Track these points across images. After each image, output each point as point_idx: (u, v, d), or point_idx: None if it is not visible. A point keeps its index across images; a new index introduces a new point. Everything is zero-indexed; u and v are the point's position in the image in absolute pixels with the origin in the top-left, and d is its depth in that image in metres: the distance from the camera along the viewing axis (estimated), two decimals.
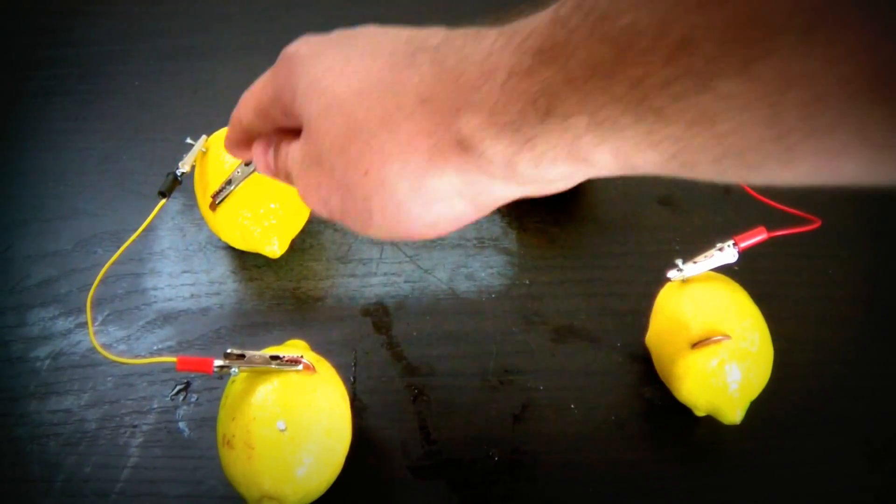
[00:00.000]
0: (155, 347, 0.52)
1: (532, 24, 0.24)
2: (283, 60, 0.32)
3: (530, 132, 0.24)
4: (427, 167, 0.27)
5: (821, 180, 0.22)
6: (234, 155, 0.38)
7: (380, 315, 0.53)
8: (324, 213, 0.32)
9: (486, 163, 0.26)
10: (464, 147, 0.26)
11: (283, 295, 0.54)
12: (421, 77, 0.27)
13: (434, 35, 0.29)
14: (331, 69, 0.30)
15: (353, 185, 0.29)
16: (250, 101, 0.34)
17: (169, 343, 0.52)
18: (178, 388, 0.51)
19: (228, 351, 0.42)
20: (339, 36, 0.31)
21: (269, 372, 0.43)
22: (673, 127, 0.21)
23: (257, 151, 0.35)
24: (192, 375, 0.51)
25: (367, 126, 0.28)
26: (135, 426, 0.49)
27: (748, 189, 0.50)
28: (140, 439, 0.49)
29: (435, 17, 0.62)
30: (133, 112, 0.64)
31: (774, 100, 0.19)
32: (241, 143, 0.36)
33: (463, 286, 0.54)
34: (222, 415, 0.43)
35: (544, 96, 0.24)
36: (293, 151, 0.32)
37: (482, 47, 0.26)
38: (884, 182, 0.21)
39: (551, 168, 0.25)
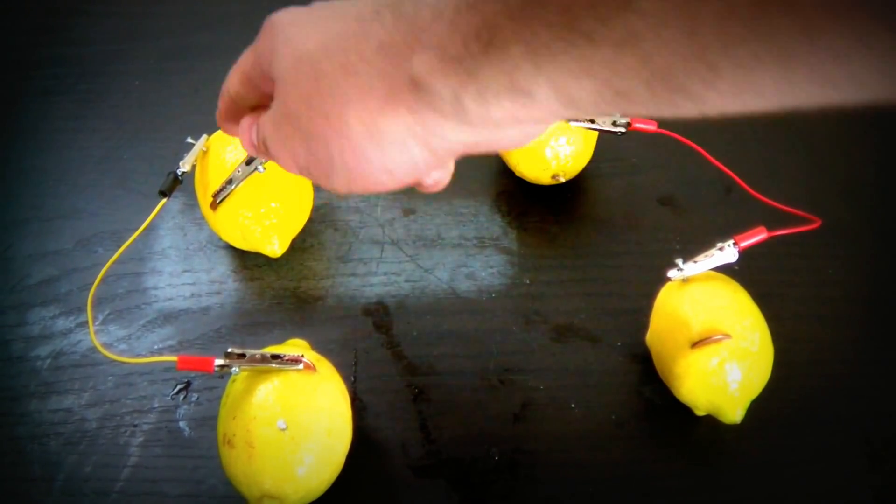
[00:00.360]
0: (155, 347, 0.52)
1: None
2: (265, 27, 0.33)
3: (473, 64, 0.25)
4: (382, 108, 0.28)
5: (748, 106, 0.22)
6: (224, 130, 0.39)
7: (380, 314, 0.53)
8: (294, 168, 0.33)
9: (437, 100, 0.27)
10: (416, 85, 0.27)
11: (283, 294, 0.54)
12: (383, 26, 0.29)
13: None
14: (303, 28, 0.31)
15: (316, 131, 0.30)
16: (236, 71, 0.36)
17: (169, 342, 0.52)
18: (178, 387, 0.51)
19: (229, 350, 0.42)
20: (318, 4, 0.33)
21: (270, 371, 0.43)
22: (603, 51, 0.22)
23: (242, 128, 0.36)
24: (193, 375, 0.51)
25: (331, 74, 0.29)
26: (135, 425, 0.49)
27: (748, 189, 0.50)
28: (140, 438, 0.49)
29: None
30: (133, 112, 0.64)
31: (691, 13, 0.20)
32: (230, 114, 0.37)
33: (463, 286, 0.54)
34: (223, 414, 0.43)
35: (486, 28, 0.24)
36: (267, 114, 0.34)
37: None
38: (803, 105, 0.22)
39: (495, 104, 0.26)
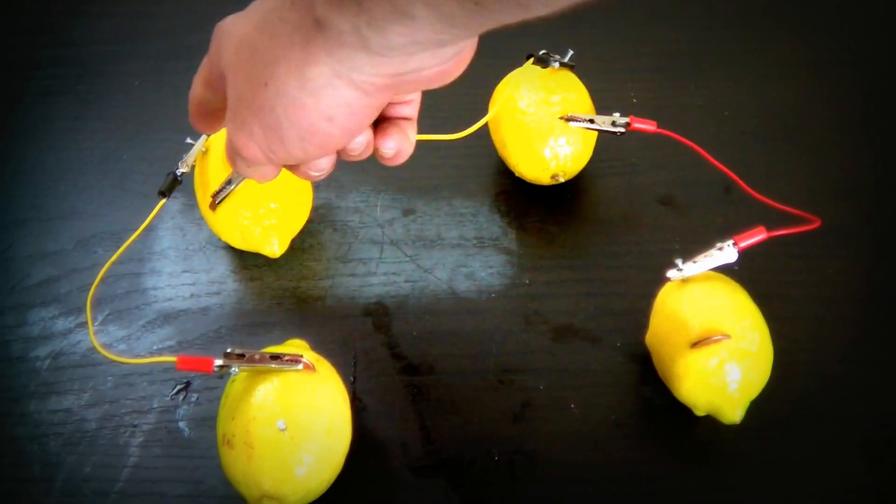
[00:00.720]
0: (155, 347, 0.52)
1: None
2: (214, 33, 0.36)
3: None
4: (304, 58, 0.30)
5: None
6: (198, 128, 0.41)
7: (380, 315, 0.53)
8: (257, 151, 0.34)
9: (341, 34, 0.29)
10: (321, 26, 0.30)
11: (283, 294, 0.54)
12: None
13: None
14: (239, 20, 0.34)
15: (260, 101, 0.32)
16: (197, 77, 0.38)
17: (169, 343, 0.52)
18: (178, 387, 0.51)
19: (228, 350, 0.42)
20: (253, 3, 0.36)
21: (269, 371, 0.43)
22: None
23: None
24: (192, 375, 0.51)
25: (262, 45, 0.32)
26: (135, 426, 0.49)
27: (748, 189, 0.50)
28: (140, 439, 0.49)
29: None
30: (133, 112, 0.64)
31: None
32: (199, 115, 0.40)
33: (463, 286, 0.54)
34: (222, 414, 0.43)
35: None
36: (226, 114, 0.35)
37: None
38: None
39: (388, 29, 0.28)
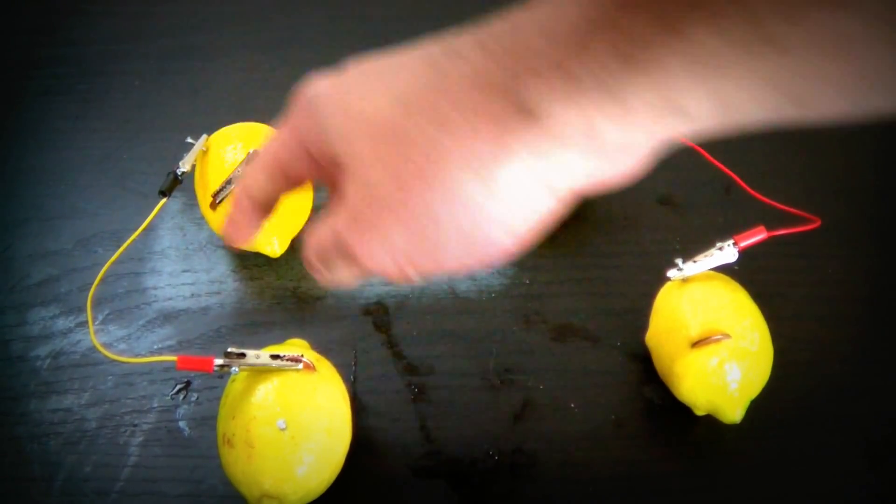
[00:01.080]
0: (155, 346, 0.52)
1: None
2: (300, 104, 0.29)
3: (613, 83, 0.22)
4: (494, 151, 0.24)
5: None
6: (239, 238, 0.34)
7: (380, 314, 0.53)
8: (388, 262, 0.27)
9: (562, 127, 0.23)
10: (532, 114, 0.24)
11: (283, 294, 0.54)
12: (471, 65, 0.25)
13: (468, 32, 0.26)
14: (364, 94, 0.27)
15: (416, 207, 0.25)
16: (263, 165, 0.31)
17: (169, 342, 0.52)
18: (178, 387, 0.51)
19: (229, 350, 0.42)
20: (354, 66, 0.29)
21: (270, 371, 0.43)
22: (793, 56, 0.19)
23: (308, 250, 0.31)
24: (193, 374, 0.51)
25: (420, 134, 0.25)
26: (135, 425, 0.49)
27: (748, 189, 0.50)
28: (140, 438, 0.49)
29: (435, 15, 0.62)
30: (133, 112, 0.64)
31: None
32: (251, 214, 0.32)
33: (463, 285, 0.54)
34: (222, 414, 0.43)
35: (628, 41, 0.21)
36: (334, 210, 0.28)
37: (535, 17, 0.24)
38: None
39: (637, 125, 0.23)
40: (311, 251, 0.30)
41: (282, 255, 0.54)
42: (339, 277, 0.30)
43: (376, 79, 0.27)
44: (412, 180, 0.25)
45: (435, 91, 0.25)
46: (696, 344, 0.44)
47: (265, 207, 0.32)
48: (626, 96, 0.22)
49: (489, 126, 0.24)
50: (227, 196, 0.51)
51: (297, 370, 0.43)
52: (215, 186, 0.51)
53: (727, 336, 0.44)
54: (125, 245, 0.48)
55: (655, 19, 0.21)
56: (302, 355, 0.43)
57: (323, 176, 0.30)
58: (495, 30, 0.25)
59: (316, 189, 0.56)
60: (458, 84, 0.25)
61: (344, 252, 0.28)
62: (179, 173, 0.50)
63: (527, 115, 0.24)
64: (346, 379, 0.47)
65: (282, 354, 0.43)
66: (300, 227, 0.55)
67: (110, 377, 0.51)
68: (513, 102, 0.24)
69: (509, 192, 0.25)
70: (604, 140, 0.24)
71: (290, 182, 0.31)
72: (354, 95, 0.27)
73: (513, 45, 0.24)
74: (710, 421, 0.46)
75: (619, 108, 0.23)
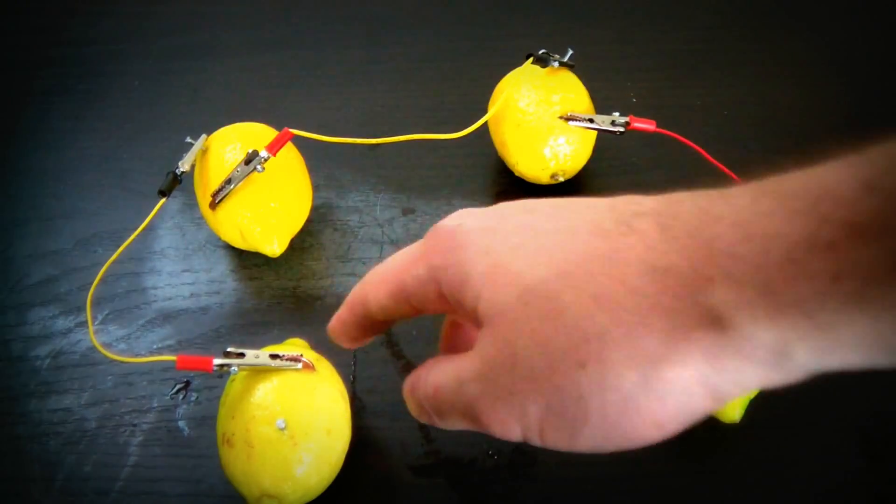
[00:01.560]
0: (155, 346, 0.52)
1: (819, 185, 0.21)
2: (442, 237, 0.28)
3: (826, 317, 0.20)
4: (664, 352, 0.23)
5: None
6: (344, 343, 0.32)
7: None
8: (515, 430, 0.26)
9: (752, 346, 0.22)
10: (719, 324, 0.22)
11: (282, 294, 0.54)
12: (647, 243, 0.23)
13: (642, 199, 0.25)
14: (519, 249, 0.25)
15: (563, 384, 0.24)
16: (386, 281, 0.29)
17: (169, 342, 0.52)
18: (177, 386, 0.51)
19: (228, 350, 0.42)
20: (508, 210, 0.27)
21: (269, 370, 0.43)
22: None
23: (413, 386, 0.30)
24: (192, 374, 0.51)
25: (580, 309, 0.23)
26: (134, 425, 0.49)
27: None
28: (140, 438, 0.49)
29: (435, 15, 0.62)
30: (133, 112, 0.64)
31: None
32: (358, 328, 0.31)
33: None
34: (222, 413, 0.43)
35: (855, 278, 0.19)
36: (467, 365, 0.27)
37: (732, 207, 0.23)
38: None
39: (840, 357, 0.21)
40: (425, 396, 0.29)
41: (281, 255, 0.54)
42: (448, 427, 0.28)
43: (533, 239, 0.25)
44: (566, 358, 0.24)
45: (604, 266, 0.24)
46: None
47: (378, 327, 0.31)
48: (839, 333, 0.20)
49: (663, 322, 0.23)
50: (226, 196, 0.51)
51: (297, 370, 0.43)
52: (215, 186, 0.51)
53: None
54: (125, 245, 0.48)
55: (890, 255, 0.19)
56: (301, 355, 0.43)
57: (449, 311, 0.28)
58: (682, 206, 0.24)
59: (316, 189, 0.56)
60: (633, 268, 0.23)
61: (467, 409, 0.27)
62: (179, 173, 0.50)
63: (712, 323, 0.22)
64: (345, 379, 0.47)
65: (281, 354, 0.43)
66: (300, 227, 0.55)
67: (110, 377, 0.51)
68: (697, 305, 0.22)
69: (669, 393, 0.23)
70: (793, 362, 0.22)
71: (412, 311, 0.29)
72: (506, 245, 0.26)
73: (704, 235, 0.22)
74: (711, 421, 0.46)
75: (827, 342, 0.21)
